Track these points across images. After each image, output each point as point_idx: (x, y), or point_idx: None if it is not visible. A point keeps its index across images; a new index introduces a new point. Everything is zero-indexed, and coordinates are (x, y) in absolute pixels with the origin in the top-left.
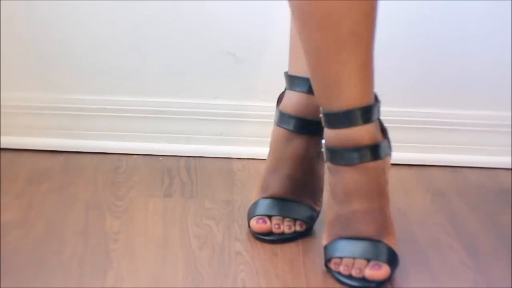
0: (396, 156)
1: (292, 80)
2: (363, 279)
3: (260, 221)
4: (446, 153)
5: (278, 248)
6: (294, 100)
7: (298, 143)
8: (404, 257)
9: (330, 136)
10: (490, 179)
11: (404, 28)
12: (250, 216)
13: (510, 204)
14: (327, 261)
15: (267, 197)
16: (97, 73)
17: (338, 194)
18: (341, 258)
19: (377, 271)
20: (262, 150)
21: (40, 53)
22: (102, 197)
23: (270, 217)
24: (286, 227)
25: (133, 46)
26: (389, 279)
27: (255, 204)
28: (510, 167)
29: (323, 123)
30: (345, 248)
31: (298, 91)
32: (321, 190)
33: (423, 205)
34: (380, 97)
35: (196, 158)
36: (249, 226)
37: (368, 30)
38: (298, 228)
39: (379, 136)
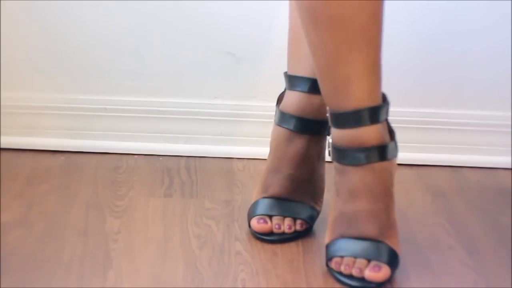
0: None
1: (292, 80)
2: (363, 279)
3: (261, 221)
4: (446, 153)
5: (278, 248)
6: (295, 100)
7: (298, 143)
8: (404, 257)
9: (337, 136)
10: (490, 179)
11: (404, 28)
12: (250, 216)
13: (510, 204)
14: (328, 260)
15: (267, 197)
16: (97, 73)
17: (344, 193)
18: (342, 257)
19: (377, 273)
20: (262, 150)
21: (40, 53)
22: (102, 197)
23: (270, 217)
24: (286, 227)
25: (133, 46)
26: (389, 280)
27: (255, 204)
28: (510, 167)
29: (330, 123)
30: (347, 247)
31: (298, 90)
32: (322, 189)
33: (423, 205)
34: None
35: (196, 158)
36: (249, 226)
37: (376, 30)
38: (298, 227)
39: (386, 137)
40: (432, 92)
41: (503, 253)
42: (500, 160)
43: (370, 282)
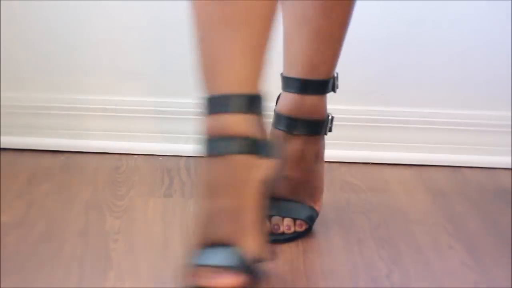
0: (396, 156)
1: (286, 81)
2: None
3: None
4: (446, 153)
5: (278, 248)
6: (288, 101)
7: (294, 144)
8: (404, 257)
9: (206, 123)
10: (490, 179)
11: (404, 28)
12: None
13: (510, 204)
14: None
15: None
16: (97, 73)
17: (203, 187)
18: (198, 266)
19: (225, 281)
20: None
21: (40, 53)
22: (102, 197)
23: (269, 217)
24: (285, 227)
25: (133, 46)
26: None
27: None
28: (510, 167)
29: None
30: (204, 256)
31: (291, 92)
32: (321, 189)
33: (423, 205)
34: (381, 97)
35: (196, 158)
36: None
37: (259, 17)
38: (298, 228)
39: (257, 132)
40: (432, 92)
41: (503, 253)
42: (500, 160)
43: None
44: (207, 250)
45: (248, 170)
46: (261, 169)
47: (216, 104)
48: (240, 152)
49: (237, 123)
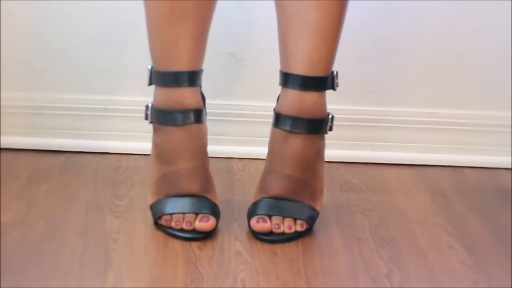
0: (396, 156)
1: (285, 77)
2: (194, 231)
3: (260, 220)
4: (446, 153)
5: (278, 248)
6: (288, 100)
7: (295, 143)
8: (404, 257)
9: (159, 97)
10: (490, 179)
11: (404, 28)
12: (250, 216)
13: (510, 204)
14: (158, 218)
15: (266, 197)
16: (97, 73)
17: (165, 153)
18: (171, 214)
19: (206, 223)
20: (262, 150)
21: (40, 53)
22: (102, 197)
23: (270, 216)
24: (286, 227)
25: (133, 46)
26: (215, 228)
27: (254, 204)
28: (510, 167)
29: (153, 82)
30: (175, 205)
31: (291, 88)
32: (321, 189)
33: (423, 205)
34: (381, 97)
35: None
36: (249, 226)
37: (204, 10)
38: (298, 228)
39: (200, 102)
40: (432, 92)
41: (503, 253)
42: (500, 160)
43: (200, 232)
44: (176, 201)
45: (201, 136)
46: (206, 134)
47: (171, 79)
48: (195, 122)
49: (190, 96)
